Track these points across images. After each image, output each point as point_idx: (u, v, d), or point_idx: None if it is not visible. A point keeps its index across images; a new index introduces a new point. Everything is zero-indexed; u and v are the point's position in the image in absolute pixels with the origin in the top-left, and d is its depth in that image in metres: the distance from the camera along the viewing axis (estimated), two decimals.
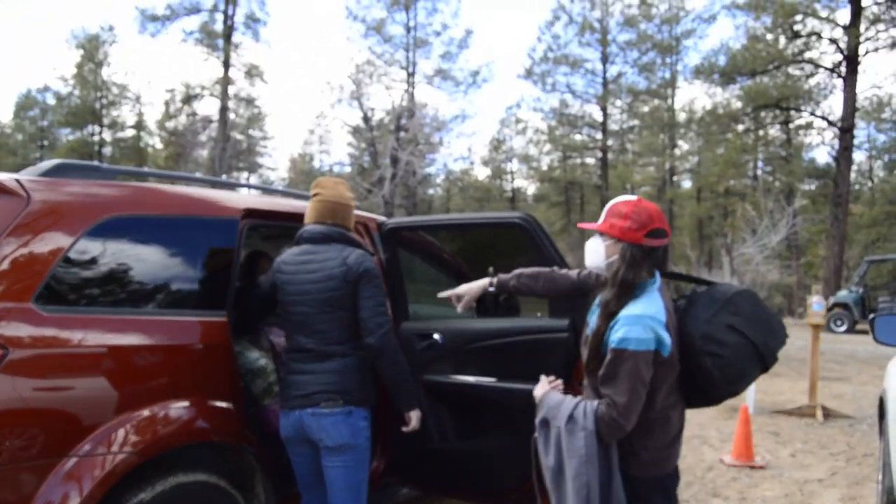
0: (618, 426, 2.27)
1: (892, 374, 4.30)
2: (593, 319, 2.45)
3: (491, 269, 3.08)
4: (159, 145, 44.43)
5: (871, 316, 4.20)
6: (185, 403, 2.67)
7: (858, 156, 40.99)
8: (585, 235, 40.94)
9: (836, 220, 28.20)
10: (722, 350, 2.36)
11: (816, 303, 8.33)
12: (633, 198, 2.46)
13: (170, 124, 42.00)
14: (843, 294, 22.82)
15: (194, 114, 39.62)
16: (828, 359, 14.23)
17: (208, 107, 45.99)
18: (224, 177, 33.33)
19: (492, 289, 3.02)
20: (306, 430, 2.91)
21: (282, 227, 3.39)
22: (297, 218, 3.22)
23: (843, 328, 21.69)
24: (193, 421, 2.68)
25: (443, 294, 3.12)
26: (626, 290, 2.33)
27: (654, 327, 2.26)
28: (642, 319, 2.26)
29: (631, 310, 2.29)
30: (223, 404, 2.81)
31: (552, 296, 3.05)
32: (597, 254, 2.48)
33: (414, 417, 3.10)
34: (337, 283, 2.91)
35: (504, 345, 3.46)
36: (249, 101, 42.05)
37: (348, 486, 2.91)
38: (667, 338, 2.28)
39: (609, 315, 2.33)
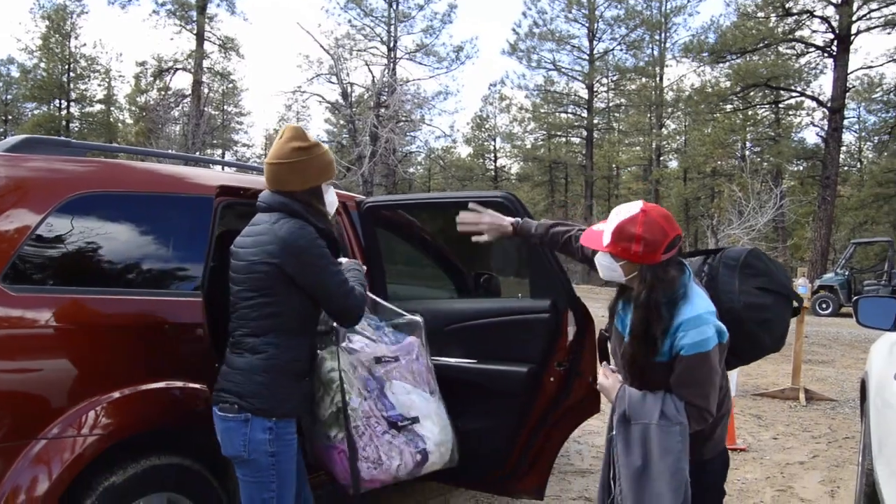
0: (705, 421, 2.32)
1: (874, 357, 4.41)
2: (627, 318, 2.40)
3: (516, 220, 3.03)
4: (130, 120, 43.41)
5: (855, 298, 4.38)
6: (159, 385, 2.64)
7: (848, 137, 40.44)
8: (569, 216, 40.38)
9: (824, 202, 27.83)
10: (766, 314, 2.45)
11: (801, 285, 8.43)
12: (636, 208, 2.30)
13: (141, 99, 41.24)
14: (828, 277, 22.61)
15: (167, 88, 39.06)
16: (812, 342, 14.13)
17: (181, 81, 45.05)
18: (198, 153, 32.69)
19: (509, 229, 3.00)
20: None
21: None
22: None
23: (829, 311, 21.55)
24: (166, 403, 2.67)
25: (463, 219, 3.07)
26: (659, 307, 2.27)
27: (714, 321, 2.24)
28: (702, 319, 2.23)
29: (686, 313, 2.25)
30: (197, 386, 2.74)
31: (571, 256, 2.94)
32: (613, 271, 2.38)
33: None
34: (260, 265, 2.49)
35: (485, 326, 3.52)
36: (224, 76, 41.33)
37: (258, 500, 2.55)
38: (723, 326, 2.27)
39: (665, 331, 2.26)
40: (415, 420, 2.92)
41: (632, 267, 2.30)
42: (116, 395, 2.49)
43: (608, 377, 2.47)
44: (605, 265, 2.38)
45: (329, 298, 2.52)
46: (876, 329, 3.84)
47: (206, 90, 38.94)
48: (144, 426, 2.58)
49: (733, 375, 8.02)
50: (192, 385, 2.74)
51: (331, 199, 2.72)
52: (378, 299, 3.24)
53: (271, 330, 2.50)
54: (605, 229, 2.33)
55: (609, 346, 2.58)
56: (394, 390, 2.90)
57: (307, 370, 2.64)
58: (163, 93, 38.88)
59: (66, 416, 2.35)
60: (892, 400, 3.39)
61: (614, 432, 2.36)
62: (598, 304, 3.82)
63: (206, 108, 37.94)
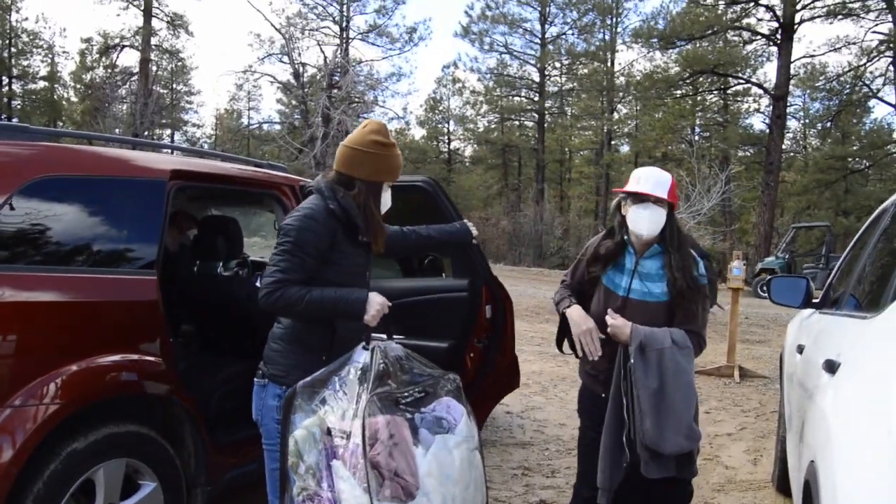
0: (701, 349, 2.86)
1: (789, 333, 4.65)
2: (621, 279, 2.87)
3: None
4: (75, 98, 42.17)
5: (768, 278, 4.31)
6: (115, 358, 2.77)
7: (793, 124, 41.46)
8: (522, 199, 40.63)
9: (768, 187, 28.53)
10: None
11: (736, 267, 8.81)
12: (667, 173, 2.86)
13: (86, 77, 40.07)
14: (769, 260, 23.33)
15: (113, 66, 38.18)
16: (751, 322, 14.61)
17: (128, 59, 44.04)
18: (146, 133, 32.03)
19: None
20: None
21: (207, 188, 3.51)
22: (223, 179, 3.36)
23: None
24: (121, 374, 2.80)
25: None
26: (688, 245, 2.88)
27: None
28: (698, 258, 2.89)
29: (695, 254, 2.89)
30: (152, 358, 2.89)
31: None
32: (660, 224, 2.80)
33: (371, 310, 2.54)
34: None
35: (412, 304, 3.68)
36: (173, 54, 40.53)
37: (267, 470, 2.66)
38: None
39: (688, 268, 2.79)
40: None
41: (665, 215, 2.79)
42: (74, 367, 2.61)
43: (616, 319, 2.75)
44: (657, 220, 2.78)
45: (267, 275, 2.51)
46: (787, 306, 4.07)
47: (154, 68, 38.14)
48: (101, 396, 2.72)
49: None
50: (145, 358, 2.87)
51: (385, 199, 2.76)
52: (415, 357, 2.69)
53: None
54: (652, 189, 2.76)
55: (591, 310, 2.92)
56: (335, 470, 2.42)
57: (324, 346, 2.61)
58: (109, 70, 37.96)
59: (28, 387, 2.47)
60: (793, 371, 3.64)
61: (632, 361, 2.67)
62: (547, 287, 3.90)
63: (154, 87, 37.15)
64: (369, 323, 2.53)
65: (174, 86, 43.82)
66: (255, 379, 2.66)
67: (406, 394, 2.53)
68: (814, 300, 3.92)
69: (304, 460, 2.43)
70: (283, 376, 2.57)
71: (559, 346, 3.15)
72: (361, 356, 2.52)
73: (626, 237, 2.88)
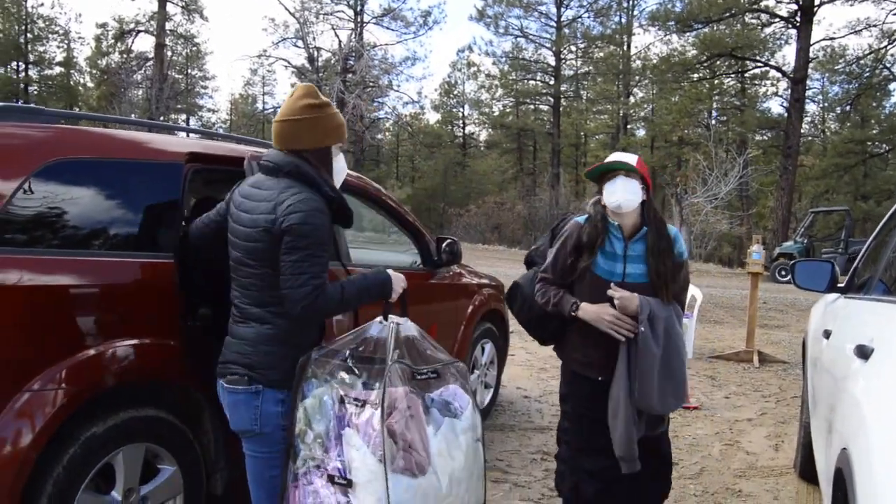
0: (681, 319, 3.01)
1: (813, 318, 4.55)
2: (614, 266, 2.91)
3: None
4: (91, 84, 42.35)
5: (791, 262, 4.66)
6: (132, 342, 2.72)
7: (811, 108, 41.03)
8: (537, 183, 40.51)
9: (786, 171, 28.24)
10: None
11: (756, 252, 8.60)
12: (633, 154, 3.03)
13: (102, 62, 40.19)
14: (788, 245, 23.08)
15: (129, 51, 38.25)
16: (770, 307, 14.55)
17: (143, 44, 44.08)
18: (161, 118, 32.10)
19: None
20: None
21: (226, 171, 3.37)
22: (241, 162, 3.18)
23: (788, 278, 21.73)
24: (139, 360, 2.75)
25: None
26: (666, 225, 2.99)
27: None
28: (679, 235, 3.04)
29: (673, 230, 2.99)
30: (169, 342, 2.84)
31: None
32: (636, 195, 2.85)
33: (396, 288, 2.61)
34: (259, 233, 2.38)
35: None
36: (188, 39, 40.55)
37: (260, 481, 2.51)
38: None
39: (668, 240, 2.93)
40: (349, 483, 2.34)
41: (642, 192, 2.86)
42: (91, 352, 2.57)
43: (621, 292, 2.83)
44: (631, 189, 2.83)
45: (298, 281, 2.31)
46: (812, 291, 4.03)
47: (169, 53, 38.24)
48: (118, 381, 2.67)
49: (689, 338, 8.31)
50: (162, 342, 2.82)
51: (340, 166, 2.61)
52: (428, 340, 2.66)
53: (278, 300, 2.38)
54: (615, 158, 2.90)
55: (583, 293, 2.95)
56: (347, 438, 2.39)
57: (314, 343, 2.53)
58: (125, 56, 38.05)
59: (46, 372, 2.44)
60: (818, 356, 3.58)
61: (642, 329, 2.79)
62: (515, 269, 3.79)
63: (169, 72, 37.30)
64: (390, 301, 2.54)
65: (189, 71, 43.94)
66: (238, 387, 2.43)
67: (423, 371, 2.52)
68: (838, 285, 3.85)
69: (313, 428, 2.41)
70: (282, 380, 2.43)
71: (552, 341, 3.22)
72: (377, 329, 2.52)
73: (610, 222, 2.90)
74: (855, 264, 3.97)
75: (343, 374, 2.45)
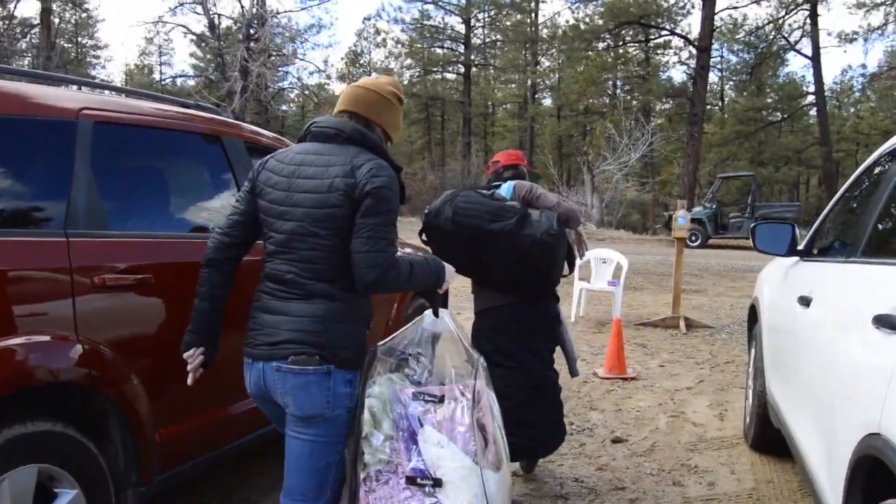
0: None
1: (764, 283, 4.49)
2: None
3: None
4: None
5: (752, 224, 4.45)
6: (18, 340, 2.18)
7: (711, 76, 42.05)
8: (447, 153, 40.28)
9: (692, 139, 28.85)
10: None
11: (681, 217, 8.64)
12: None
13: None
14: (697, 210, 23.59)
15: (11, 17, 35.58)
16: (684, 272, 14.49)
17: (28, 9, 41.26)
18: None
19: None
20: (269, 390, 2.29)
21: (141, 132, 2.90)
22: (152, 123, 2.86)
23: (698, 243, 22.66)
24: (27, 361, 2.21)
25: None
26: None
27: None
28: None
29: None
30: (65, 339, 2.33)
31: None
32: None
33: (448, 279, 2.56)
34: (339, 198, 2.21)
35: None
36: (77, 4, 38.00)
37: (313, 469, 2.27)
38: None
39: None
40: (437, 483, 2.23)
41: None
42: None
43: None
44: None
45: (375, 247, 2.20)
46: (771, 254, 3.91)
47: (56, 20, 35.90)
48: (2, 390, 2.13)
49: (617, 305, 8.30)
50: (57, 338, 2.32)
51: None
52: (458, 334, 2.57)
53: (345, 275, 2.25)
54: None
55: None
56: (425, 437, 2.29)
57: (369, 321, 2.45)
58: (7, 22, 35.47)
59: None
60: (787, 322, 3.43)
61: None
62: None
63: (57, 40, 35.16)
64: (440, 291, 2.53)
65: (79, 39, 41.64)
66: (308, 367, 2.20)
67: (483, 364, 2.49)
68: (798, 248, 3.68)
69: (383, 430, 2.29)
70: (353, 359, 2.30)
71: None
72: (433, 324, 2.49)
73: None
74: (814, 228, 3.80)
75: (408, 371, 2.42)
